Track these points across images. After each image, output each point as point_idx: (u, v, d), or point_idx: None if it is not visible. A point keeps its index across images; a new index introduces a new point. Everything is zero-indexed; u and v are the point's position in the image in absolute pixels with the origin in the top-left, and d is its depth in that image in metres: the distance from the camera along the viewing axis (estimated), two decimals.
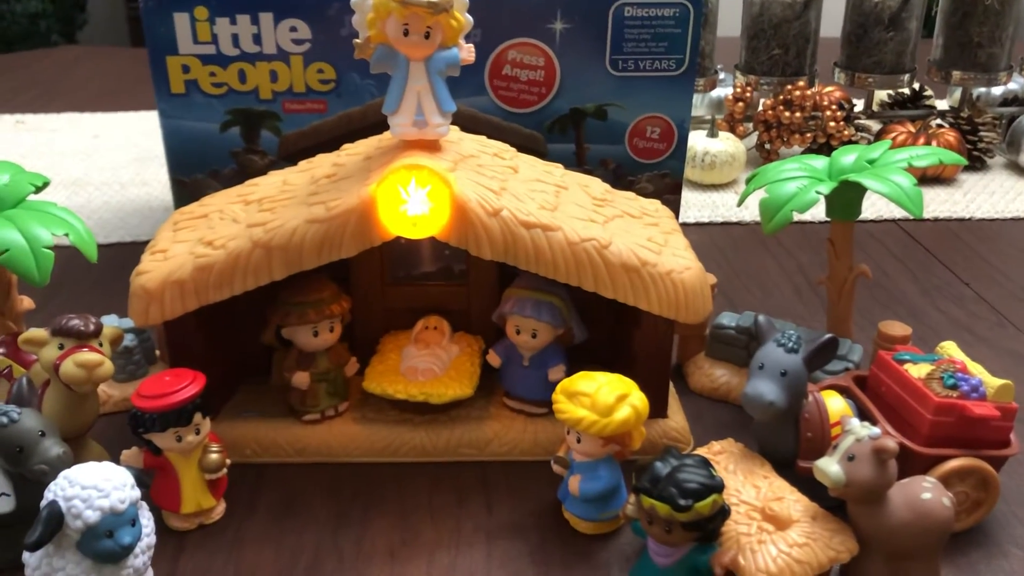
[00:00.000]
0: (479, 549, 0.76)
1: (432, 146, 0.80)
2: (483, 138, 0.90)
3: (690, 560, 0.68)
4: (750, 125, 1.58)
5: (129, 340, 0.93)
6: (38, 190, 0.85)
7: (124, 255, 1.24)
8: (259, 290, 0.80)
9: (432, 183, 0.75)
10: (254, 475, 0.85)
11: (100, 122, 1.78)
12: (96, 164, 1.55)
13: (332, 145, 0.93)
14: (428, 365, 0.87)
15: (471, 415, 0.88)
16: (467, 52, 0.78)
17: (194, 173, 1.13)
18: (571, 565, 0.75)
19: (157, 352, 0.97)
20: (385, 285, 0.91)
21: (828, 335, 0.77)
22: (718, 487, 0.65)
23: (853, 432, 0.68)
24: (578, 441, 0.75)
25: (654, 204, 0.92)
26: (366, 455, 0.86)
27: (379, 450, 0.86)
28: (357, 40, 0.77)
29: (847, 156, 0.93)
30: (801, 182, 0.90)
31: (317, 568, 0.74)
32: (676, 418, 0.89)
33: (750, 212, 1.41)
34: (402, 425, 0.87)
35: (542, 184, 0.85)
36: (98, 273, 1.20)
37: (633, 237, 0.82)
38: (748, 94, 1.55)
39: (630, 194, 0.92)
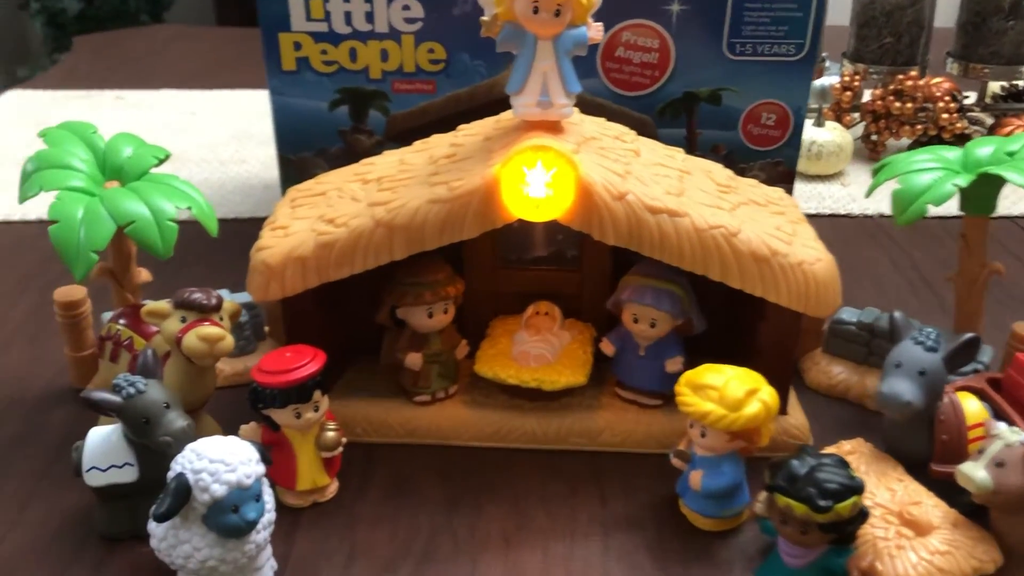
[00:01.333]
0: (595, 540, 0.75)
1: (555, 127, 0.78)
2: (602, 120, 0.88)
3: (824, 563, 0.65)
4: (856, 115, 1.52)
5: (241, 316, 0.94)
6: (160, 163, 0.86)
7: (227, 232, 1.24)
8: (370, 269, 0.80)
9: (557, 165, 0.73)
10: (364, 455, 0.84)
11: (197, 99, 1.80)
12: (195, 141, 1.57)
13: (439, 126, 0.92)
14: (540, 351, 0.85)
15: (582, 404, 0.86)
16: (595, 31, 0.76)
17: (301, 151, 1.13)
18: (691, 562, 0.73)
19: (266, 328, 0.98)
20: (496, 268, 0.90)
21: (969, 334, 0.73)
22: (858, 488, 0.63)
23: (1002, 437, 0.65)
24: (702, 435, 0.73)
25: (778, 192, 0.89)
26: (476, 439, 0.85)
27: (489, 435, 0.85)
28: (484, 18, 0.75)
29: (983, 148, 0.88)
30: (935, 174, 0.86)
31: (432, 550, 0.73)
32: (796, 415, 0.86)
33: (858, 205, 1.36)
34: (512, 411, 0.86)
35: (665, 168, 0.83)
36: (203, 248, 1.21)
37: (761, 226, 0.79)
38: (856, 83, 1.49)
39: (753, 181, 0.89)
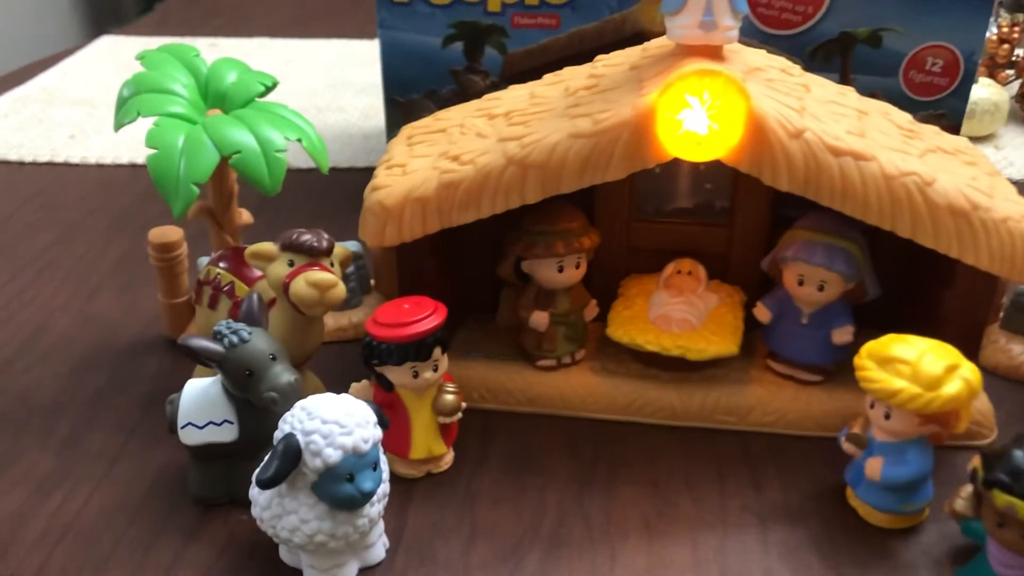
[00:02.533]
0: (751, 533, 0.65)
1: (716, 54, 0.67)
2: (763, 51, 0.77)
3: None
4: (1012, 72, 1.37)
5: None
6: (267, 91, 0.78)
7: (325, 181, 1.17)
8: (488, 222, 0.70)
9: (726, 95, 0.63)
10: (481, 423, 0.75)
11: (292, 48, 1.73)
12: (291, 88, 1.50)
13: (560, 66, 0.82)
14: (684, 315, 0.75)
15: (729, 377, 0.76)
16: None
17: (410, 93, 1.04)
18: (866, 563, 0.62)
19: (372, 281, 0.90)
20: (631, 220, 0.80)
21: None
22: None
23: None
24: (886, 417, 0.62)
25: (963, 140, 0.76)
26: (606, 411, 0.76)
27: (621, 407, 0.75)
28: None
29: None
30: None
31: (563, 534, 0.64)
32: (979, 399, 0.74)
33: (1016, 169, 1.22)
34: (648, 381, 0.76)
35: (840, 107, 0.71)
36: (302, 197, 1.14)
37: (956, 176, 0.67)
38: (1016, 36, 1.34)
39: (935, 128, 0.77)
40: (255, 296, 0.65)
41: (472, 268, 0.82)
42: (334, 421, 0.56)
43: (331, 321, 0.85)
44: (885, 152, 0.66)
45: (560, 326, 0.75)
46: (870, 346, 0.63)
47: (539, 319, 0.74)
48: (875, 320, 0.77)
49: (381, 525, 0.62)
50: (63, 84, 1.54)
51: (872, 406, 0.63)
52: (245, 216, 0.81)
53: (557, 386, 0.76)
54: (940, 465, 0.70)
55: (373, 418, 0.58)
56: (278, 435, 0.57)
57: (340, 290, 0.68)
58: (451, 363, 0.77)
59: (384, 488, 0.60)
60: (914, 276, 0.76)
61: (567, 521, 0.66)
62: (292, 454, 0.56)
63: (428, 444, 0.68)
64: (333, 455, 0.55)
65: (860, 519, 0.66)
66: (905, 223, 0.65)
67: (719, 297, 0.77)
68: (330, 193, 1.15)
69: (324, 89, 1.49)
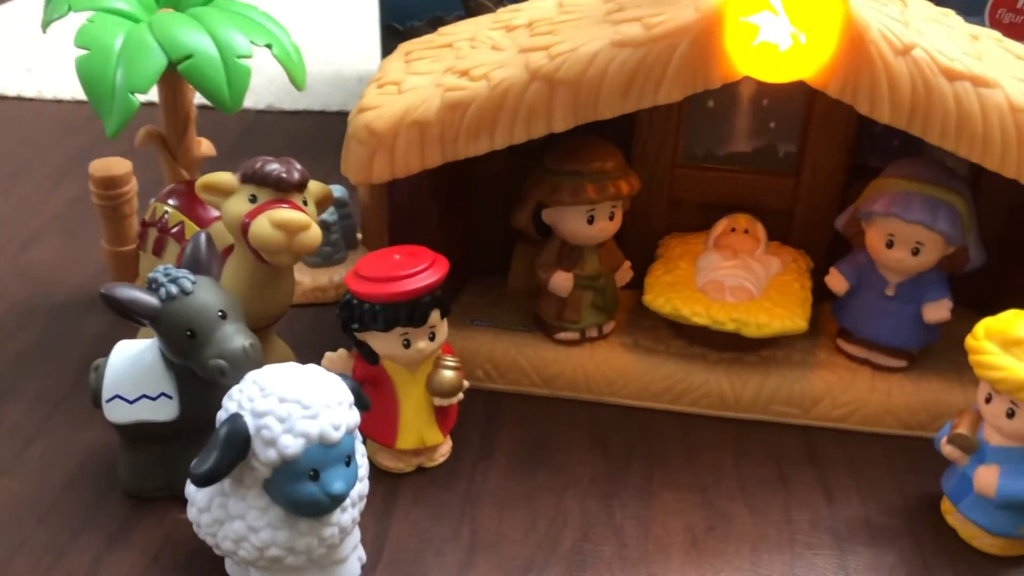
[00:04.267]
0: (826, 556, 0.51)
1: None
2: None
3: None
4: None
5: (328, 214, 0.72)
6: None
7: (311, 126, 1.03)
8: (501, 158, 0.57)
9: None
10: (487, 406, 0.62)
11: None
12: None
13: None
14: (740, 282, 0.61)
15: (791, 359, 0.62)
16: None
17: (410, 19, 0.90)
18: None
19: (359, 235, 0.76)
20: (676, 166, 0.66)
21: None
22: None
23: None
24: (1009, 415, 0.48)
25: None
26: (640, 398, 0.62)
27: (658, 392, 0.62)
28: None
29: None
30: None
31: (588, 551, 0.51)
32: None
33: None
34: (693, 362, 0.62)
35: (946, 28, 0.57)
36: (284, 141, 1.00)
37: None
38: None
39: None
40: (203, 236, 0.51)
41: (480, 217, 0.68)
42: (295, 400, 0.42)
43: (307, 279, 0.71)
44: (1011, 80, 0.52)
45: (587, 291, 0.61)
46: (989, 324, 0.49)
47: (561, 281, 0.60)
48: (971, 296, 0.64)
49: (356, 534, 0.48)
50: (28, 13, 1.39)
51: (988, 400, 0.49)
52: (205, 146, 0.67)
53: (581, 365, 0.62)
54: None
55: (348, 397, 0.44)
56: (221, 415, 0.43)
57: (313, 234, 0.54)
58: (452, 333, 0.63)
59: (361, 488, 0.46)
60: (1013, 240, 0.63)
61: (593, 535, 0.52)
62: (238, 442, 0.42)
63: (420, 431, 0.54)
64: (292, 445, 0.41)
65: (962, 542, 0.52)
66: None
67: (782, 262, 0.63)
68: (318, 140, 1.01)
69: (312, 25, 1.34)
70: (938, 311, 0.58)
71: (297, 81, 0.60)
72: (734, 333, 0.59)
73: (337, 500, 0.43)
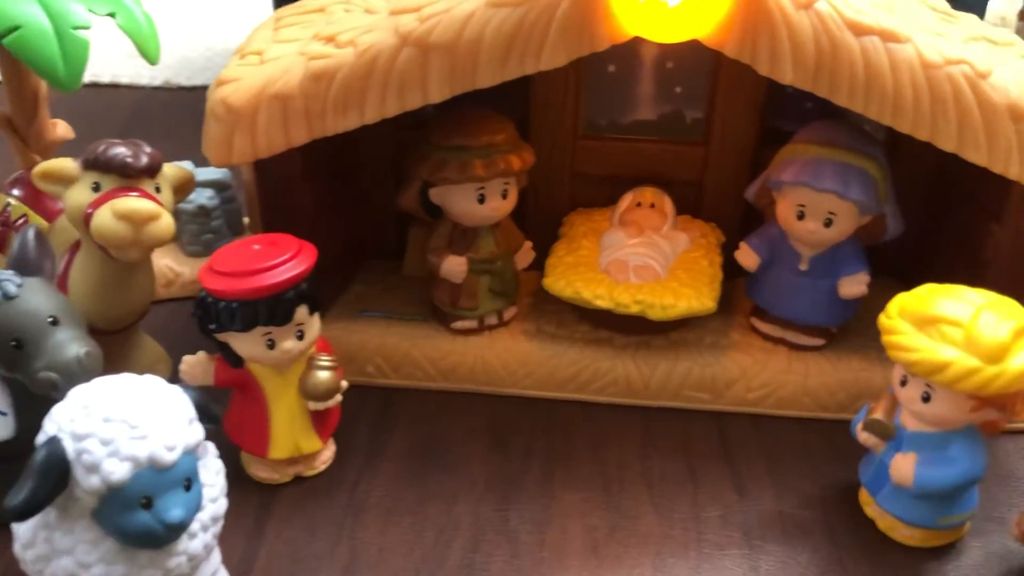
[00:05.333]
0: (736, 556, 0.47)
1: None
2: None
3: None
4: None
5: (208, 198, 0.66)
6: None
7: (186, 103, 0.96)
8: (392, 131, 0.52)
9: None
10: (378, 405, 0.57)
11: None
12: None
13: None
14: (645, 260, 0.56)
15: (703, 341, 0.58)
16: None
17: None
18: None
19: (246, 220, 0.70)
20: (578, 137, 0.61)
21: None
22: None
23: None
24: (925, 399, 0.44)
25: (1009, 32, 0.58)
26: (543, 388, 0.58)
27: (563, 382, 0.57)
28: None
29: None
30: None
31: (479, 563, 0.46)
32: None
33: None
34: (599, 348, 0.57)
35: None
36: (179, 119, 0.93)
37: (1014, 70, 0.49)
38: None
39: (973, 17, 0.59)
40: (31, 232, 0.45)
41: (370, 198, 0.63)
42: (122, 419, 0.37)
43: (187, 271, 0.65)
44: (923, 34, 0.48)
45: (483, 276, 0.57)
46: (903, 301, 0.46)
47: (454, 266, 0.55)
48: (895, 267, 0.60)
49: (215, 559, 0.43)
50: None
51: (904, 383, 0.46)
52: (61, 128, 0.61)
53: (479, 355, 0.57)
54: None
55: (188, 412, 0.39)
56: (40, 438, 0.38)
57: (164, 224, 0.48)
58: (339, 326, 0.58)
59: (215, 509, 0.41)
60: (949, 207, 0.59)
61: (484, 544, 0.48)
62: (55, 469, 0.37)
63: (295, 439, 0.49)
64: (118, 470, 0.36)
65: (880, 534, 0.49)
66: (949, 129, 0.47)
67: (691, 237, 0.59)
68: (196, 118, 0.94)
69: None
70: (854, 286, 0.54)
71: (149, 54, 0.54)
72: (639, 316, 0.55)
73: (175, 530, 0.38)
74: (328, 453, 0.52)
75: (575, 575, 0.46)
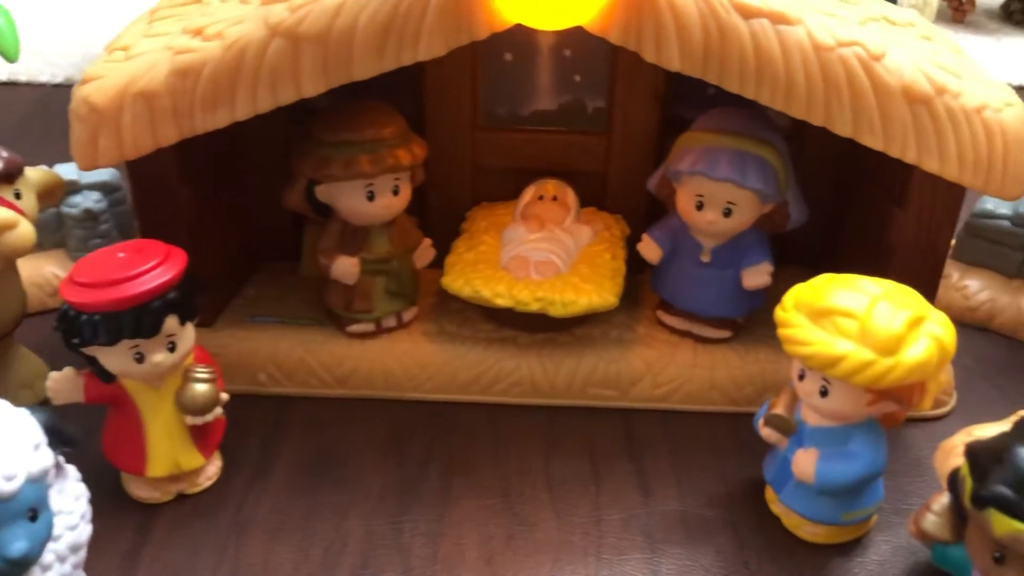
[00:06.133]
0: (636, 562, 0.46)
1: None
2: None
3: None
4: None
5: (95, 201, 0.63)
6: None
7: (62, 101, 0.92)
8: (283, 125, 0.50)
9: None
10: (270, 415, 0.54)
11: None
12: None
13: None
14: (546, 256, 0.55)
15: (608, 336, 0.56)
16: None
17: None
18: None
19: (136, 223, 0.67)
20: (477, 129, 0.59)
21: None
22: None
23: None
24: (822, 394, 0.43)
25: (911, 12, 0.57)
26: (445, 391, 0.55)
27: (465, 384, 0.55)
28: None
29: None
30: None
31: None
32: None
33: None
34: (502, 347, 0.55)
35: None
36: (60, 117, 0.89)
37: (912, 51, 0.48)
38: None
39: None
40: None
41: (262, 197, 0.60)
42: None
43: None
44: (815, 15, 0.46)
45: (377, 276, 0.54)
46: (798, 292, 0.44)
47: (345, 267, 0.53)
48: (805, 256, 0.59)
49: None
50: None
51: (802, 377, 0.44)
52: None
53: (378, 359, 0.55)
54: (888, 447, 0.52)
55: (34, 437, 0.36)
56: None
57: (22, 233, 0.45)
58: (228, 333, 0.56)
59: (75, 537, 0.38)
60: (855, 194, 0.58)
61: (375, 559, 0.45)
62: None
63: (173, 455, 0.47)
64: None
65: (786, 532, 0.47)
66: (844, 114, 0.46)
67: (594, 230, 0.57)
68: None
69: None
70: (757, 276, 0.53)
71: (7, 52, 0.51)
72: (540, 314, 0.53)
73: (18, 564, 0.35)
74: (213, 468, 0.50)
75: None
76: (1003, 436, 0.36)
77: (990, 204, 0.63)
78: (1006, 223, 0.62)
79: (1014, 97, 0.48)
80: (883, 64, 0.45)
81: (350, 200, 0.52)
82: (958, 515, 0.39)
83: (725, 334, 0.55)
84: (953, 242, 0.66)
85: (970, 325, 0.63)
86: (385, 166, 0.51)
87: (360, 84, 0.51)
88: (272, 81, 0.45)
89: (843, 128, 0.46)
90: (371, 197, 0.52)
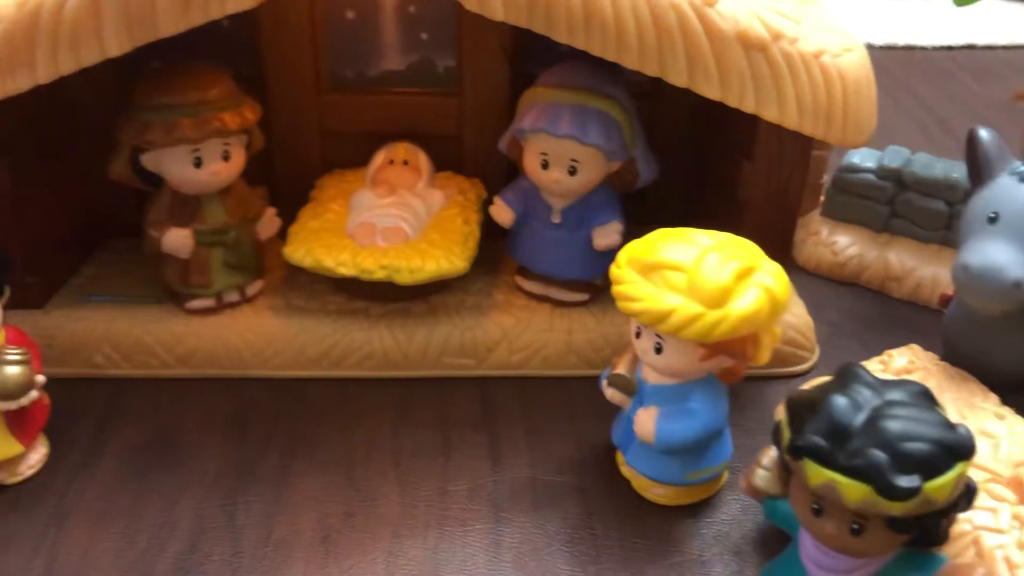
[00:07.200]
0: (479, 532, 0.44)
1: None
2: None
3: None
4: None
5: None
6: None
7: None
8: (116, 91, 0.48)
9: None
10: (106, 399, 0.51)
11: None
12: None
13: None
14: (394, 222, 0.52)
15: (464, 304, 0.54)
16: None
17: None
18: (638, 561, 0.43)
19: None
20: (323, 92, 0.56)
21: None
22: (965, 448, 0.33)
23: None
24: (657, 350, 0.42)
25: None
26: (293, 367, 0.53)
27: (314, 359, 0.53)
28: None
29: None
30: None
31: (194, 565, 0.42)
32: (794, 310, 0.55)
33: None
34: (353, 319, 0.53)
35: None
36: None
37: None
38: None
39: None
40: None
41: (102, 168, 0.56)
42: None
43: None
44: None
45: (214, 248, 0.52)
46: (631, 248, 0.43)
47: (177, 239, 0.50)
48: (665, 216, 0.57)
49: None
50: None
51: (638, 335, 0.43)
52: None
53: (220, 336, 0.53)
54: (747, 404, 0.52)
55: None
56: None
57: None
58: (61, 314, 0.53)
59: None
60: (710, 148, 0.57)
61: (203, 543, 0.43)
62: None
63: None
64: None
65: (636, 495, 0.46)
66: (678, 63, 0.44)
67: (446, 194, 0.55)
68: None
69: None
70: (607, 236, 0.51)
71: None
72: (387, 281, 0.51)
73: None
74: (37, 456, 0.47)
75: (300, 570, 0.42)
76: (820, 386, 0.35)
77: (856, 158, 0.63)
78: (871, 176, 0.62)
79: (855, 42, 0.47)
80: (716, 10, 0.44)
81: (176, 167, 0.49)
82: (785, 469, 0.38)
83: (582, 297, 0.54)
84: (822, 198, 0.66)
85: (839, 281, 0.63)
86: (210, 130, 0.48)
87: (195, 46, 0.48)
88: (73, 41, 0.42)
89: (678, 78, 0.45)
90: (198, 163, 0.49)
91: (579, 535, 0.44)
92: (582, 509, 0.45)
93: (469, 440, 0.49)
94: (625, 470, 0.47)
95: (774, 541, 0.43)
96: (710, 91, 0.45)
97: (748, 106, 0.45)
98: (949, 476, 0.32)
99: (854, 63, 0.46)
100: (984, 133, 0.45)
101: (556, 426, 0.50)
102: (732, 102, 0.45)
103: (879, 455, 0.32)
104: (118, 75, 0.54)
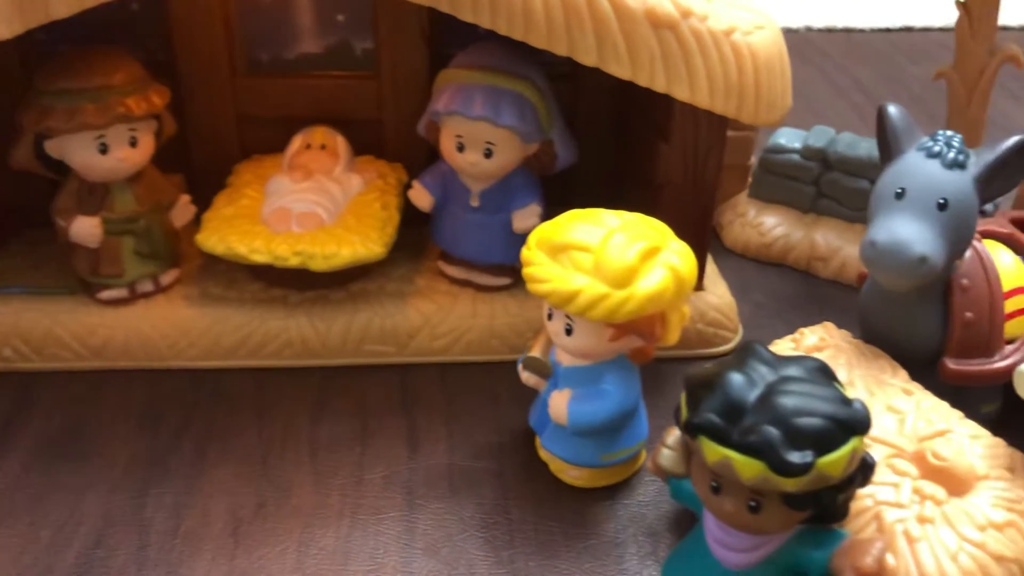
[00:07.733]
0: (392, 520, 0.43)
1: None
2: None
3: (789, 559, 0.35)
4: None
5: None
6: None
7: None
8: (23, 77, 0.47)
9: None
10: (15, 393, 0.50)
11: None
12: None
13: None
14: (310, 207, 0.52)
15: (385, 290, 0.54)
16: None
17: None
18: (553, 545, 0.42)
19: None
20: (238, 76, 0.55)
21: (1015, 137, 0.43)
22: (860, 423, 0.33)
23: None
24: (567, 332, 0.41)
25: None
26: (209, 358, 0.52)
27: (231, 349, 0.52)
28: None
29: None
30: None
31: (99, 560, 0.41)
32: (717, 290, 0.55)
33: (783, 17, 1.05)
34: (270, 308, 0.52)
35: None
36: None
37: None
38: None
39: None
40: None
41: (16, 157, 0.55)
42: None
43: None
44: None
45: (124, 237, 0.50)
46: (541, 230, 0.42)
47: (84, 228, 0.49)
48: (589, 199, 0.57)
49: None
50: None
51: (550, 317, 0.42)
52: None
53: (133, 327, 0.51)
54: (668, 385, 0.52)
55: None
56: None
57: None
58: None
59: None
60: (630, 130, 0.56)
61: (110, 537, 0.42)
62: None
63: None
64: None
65: (554, 479, 0.46)
66: (587, 42, 0.44)
67: (365, 179, 0.54)
68: None
69: None
70: (526, 219, 0.51)
71: None
72: (303, 268, 0.50)
73: None
74: None
75: (208, 562, 0.41)
76: (717, 364, 0.35)
77: (782, 139, 0.63)
78: (796, 157, 0.62)
79: (767, 20, 0.47)
80: None
81: (80, 154, 0.48)
82: (688, 448, 0.38)
83: (504, 281, 0.53)
84: (750, 180, 0.66)
85: (764, 261, 0.63)
86: (114, 115, 0.47)
87: (105, 29, 0.47)
88: (23, 8, 0.41)
89: (587, 57, 0.44)
90: (104, 150, 0.48)
91: (494, 520, 0.44)
92: (499, 494, 0.45)
93: (387, 428, 0.49)
94: (543, 453, 0.46)
95: (689, 521, 0.43)
96: (620, 70, 0.45)
97: (659, 85, 0.45)
98: (843, 451, 0.32)
99: (766, 41, 0.46)
100: (892, 109, 0.45)
101: (477, 411, 0.50)
102: (643, 81, 0.45)
103: (772, 431, 0.31)
104: (22, 61, 0.53)
